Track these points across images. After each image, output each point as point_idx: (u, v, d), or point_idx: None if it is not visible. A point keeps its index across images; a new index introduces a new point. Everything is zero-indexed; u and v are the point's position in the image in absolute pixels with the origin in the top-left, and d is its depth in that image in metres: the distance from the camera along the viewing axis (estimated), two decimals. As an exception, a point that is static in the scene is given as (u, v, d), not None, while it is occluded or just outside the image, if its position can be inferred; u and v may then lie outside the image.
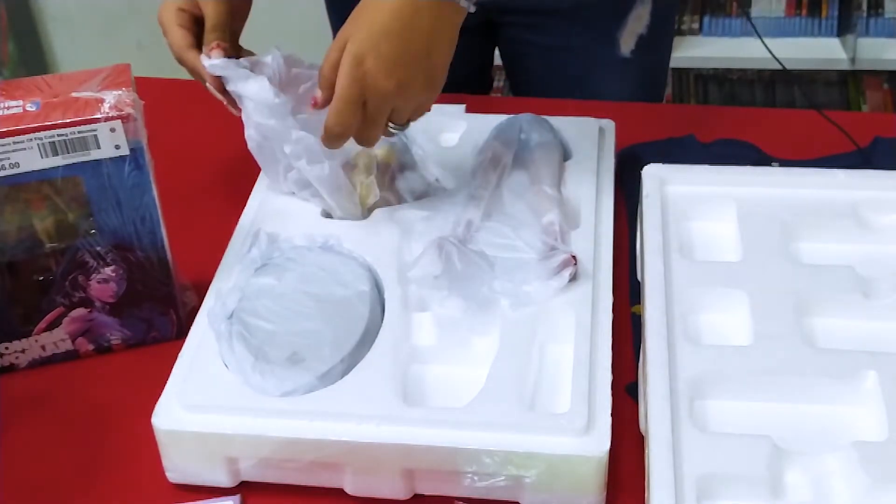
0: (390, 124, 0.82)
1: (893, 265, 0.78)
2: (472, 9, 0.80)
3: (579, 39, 1.13)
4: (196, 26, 0.89)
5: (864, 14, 1.87)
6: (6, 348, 0.80)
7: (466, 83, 1.16)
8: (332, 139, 0.80)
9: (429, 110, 0.84)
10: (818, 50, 1.86)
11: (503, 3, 1.12)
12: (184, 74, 0.99)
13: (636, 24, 1.12)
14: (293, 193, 0.89)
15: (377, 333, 0.77)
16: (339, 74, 0.78)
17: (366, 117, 0.79)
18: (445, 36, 0.80)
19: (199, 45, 0.87)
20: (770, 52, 1.03)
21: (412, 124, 0.84)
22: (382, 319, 0.78)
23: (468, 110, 0.98)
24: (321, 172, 0.84)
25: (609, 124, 0.97)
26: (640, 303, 0.78)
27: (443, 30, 0.80)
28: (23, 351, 0.81)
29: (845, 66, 1.85)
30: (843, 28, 1.88)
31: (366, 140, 0.82)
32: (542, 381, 0.74)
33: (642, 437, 0.71)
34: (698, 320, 0.76)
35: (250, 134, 0.85)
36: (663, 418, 0.67)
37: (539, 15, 1.13)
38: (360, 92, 0.78)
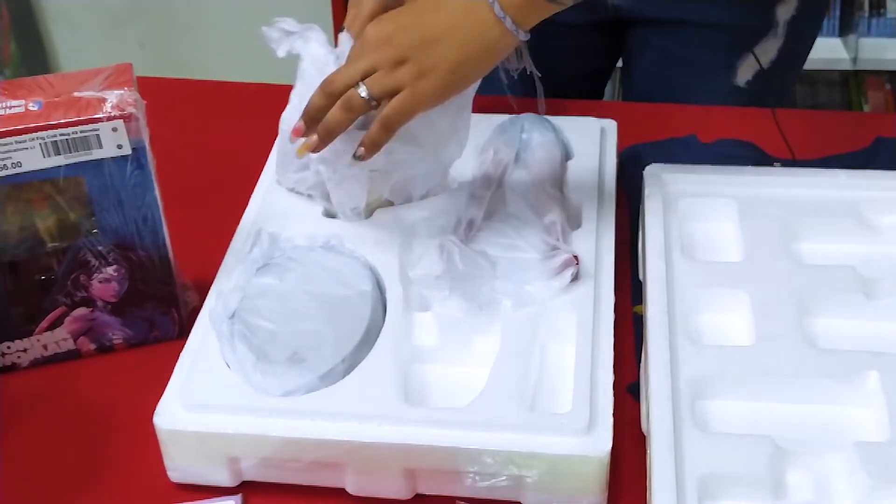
0: (361, 87, 0.77)
1: (895, 265, 0.78)
2: (500, 12, 0.77)
3: (697, 55, 1.12)
4: None
5: (866, 14, 1.88)
6: (8, 348, 0.80)
7: (581, 84, 1.18)
8: (325, 137, 0.79)
9: (406, 110, 0.78)
10: (819, 50, 1.85)
11: (632, 12, 1.11)
12: (186, 74, 0.99)
13: (761, 55, 1.10)
14: (292, 190, 0.89)
15: (379, 333, 0.76)
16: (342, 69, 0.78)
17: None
18: (466, 35, 0.78)
19: None
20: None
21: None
22: (384, 319, 0.78)
23: (473, 110, 0.98)
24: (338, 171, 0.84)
25: (611, 124, 0.97)
26: (641, 303, 0.78)
27: (465, 28, 0.78)
28: (24, 350, 0.81)
29: (847, 66, 1.86)
30: (845, 28, 1.89)
31: (329, 87, 0.79)
32: (544, 380, 0.74)
33: (644, 437, 0.71)
34: (700, 320, 0.76)
35: (290, 114, 0.85)
36: (665, 418, 0.67)
37: (664, 24, 1.12)
38: (361, 47, 0.79)
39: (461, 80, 0.79)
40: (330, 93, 0.78)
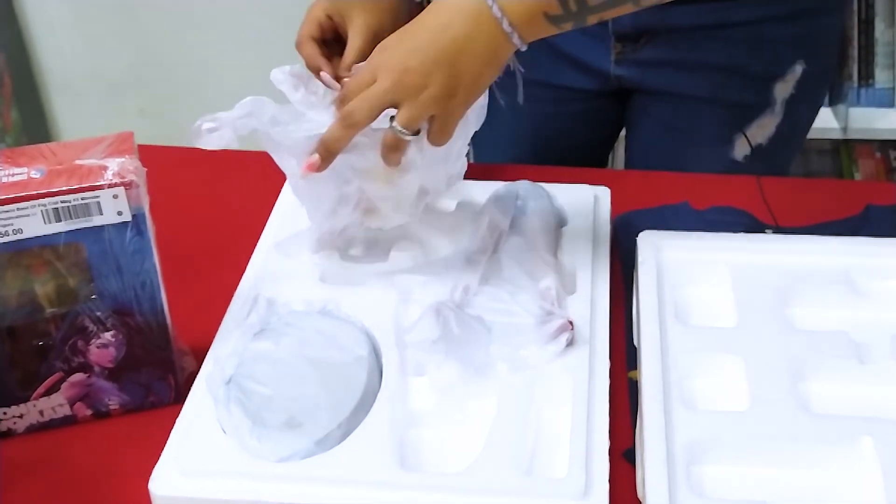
0: (394, 123, 0.79)
1: (887, 330, 0.79)
2: (508, 28, 0.79)
3: (695, 127, 1.13)
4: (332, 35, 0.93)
5: (855, 84, 1.89)
6: (4, 413, 0.80)
7: (585, 152, 1.19)
8: (326, 155, 0.80)
9: (449, 130, 0.81)
10: (811, 119, 1.88)
11: (634, 82, 1.12)
12: (186, 142, 0.99)
13: (757, 132, 1.11)
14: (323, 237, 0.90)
15: (375, 398, 0.76)
16: (365, 93, 0.79)
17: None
18: (479, 48, 0.79)
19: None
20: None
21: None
22: (380, 384, 0.78)
23: (466, 176, 0.99)
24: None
25: (604, 191, 0.98)
26: (636, 368, 0.78)
27: (478, 41, 0.79)
28: (21, 416, 0.80)
29: (837, 135, 1.87)
30: (835, 98, 1.90)
31: (350, 119, 0.80)
32: (540, 445, 0.73)
33: (640, 503, 0.71)
34: (694, 385, 0.76)
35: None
36: (660, 484, 0.67)
37: (664, 95, 1.13)
38: (373, 75, 0.79)
39: (480, 90, 0.82)
40: (351, 125, 0.79)
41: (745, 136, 1.11)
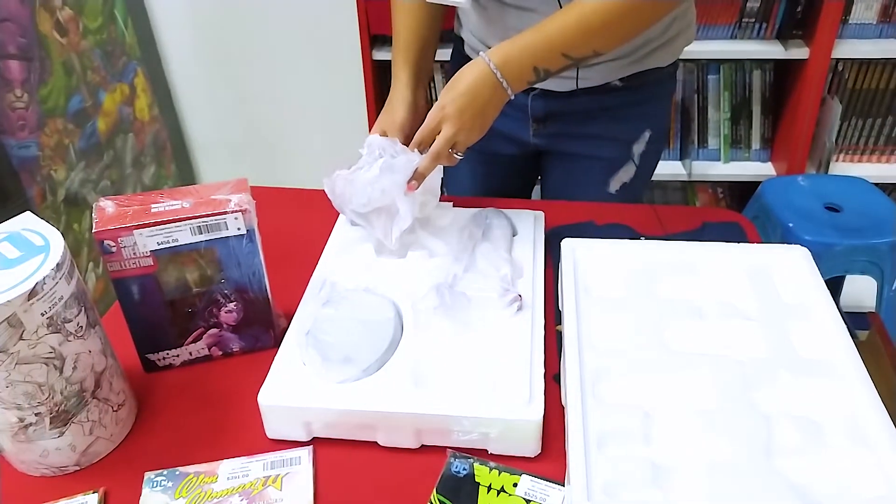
0: (455, 153, 0.85)
1: (715, 298, 0.79)
2: (513, 95, 0.84)
3: (585, 174, 1.12)
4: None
5: (696, 146, 1.90)
6: (167, 354, 0.80)
7: (517, 191, 1.21)
8: (419, 178, 0.85)
9: (475, 142, 0.86)
10: (667, 168, 1.89)
11: (545, 147, 1.12)
12: (280, 184, 0.99)
13: (623, 175, 1.10)
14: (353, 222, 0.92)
15: (399, 343, 0.77)
16: (439, 139, 0.84)
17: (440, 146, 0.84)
18: (496, 104, 0.84)
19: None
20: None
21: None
22: (402, 334, 0.78)
23: (455, 205, 0.99)
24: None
25: (540, 214, 0.97)
26: (561, 323, 0.78)
27: (494, 99, 0.84)
28: (177, 356, 0.81)
29: (685, 179, 1.87)
30: (683, 154, 1.91)
31: (437, 156, 0.85)
32: (500, 372, 0.73)
33: (563, 408, 0.71)
34: (597, 333, 0.76)
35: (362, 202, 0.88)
36: (576, 395, 0.67)
37: (565, 155, 1.12)
38: (438, 125, 0.84)
39: (490, 124, 0.86)
40: (436, 158, 0.85)
41: (615, 179, 1.11)
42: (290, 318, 0.81)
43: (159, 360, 0.80)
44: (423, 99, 0.97)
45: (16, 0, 1.48)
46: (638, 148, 1.09)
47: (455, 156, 0.86)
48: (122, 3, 1.85)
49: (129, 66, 1.89)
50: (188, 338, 0.80)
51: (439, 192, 0.92)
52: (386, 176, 0.86)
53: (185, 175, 2.19)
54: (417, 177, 0.85)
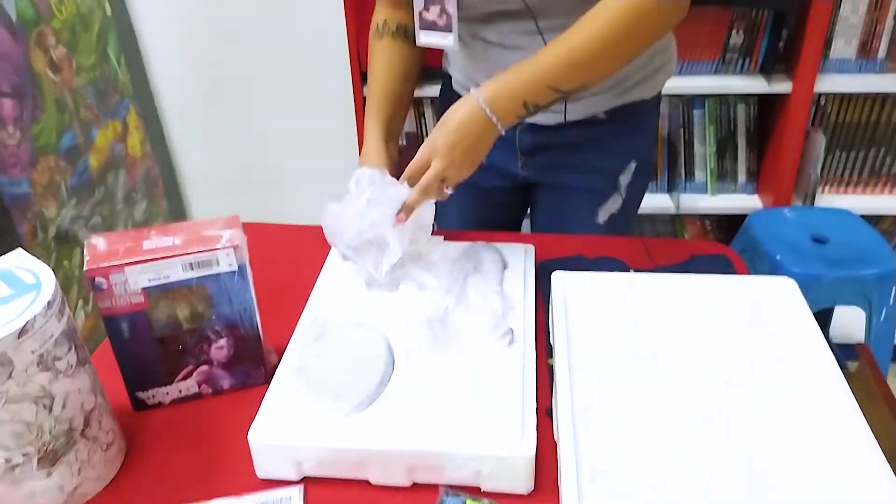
0: (446, 187, 0.87)
1: (705, 329, 0.79)
2: (503, 131, 0.85)
3: (573, 205, 1.13)
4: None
5: (683, 179, 1.92)
6: (156, 392, 0.80)
7: (507, 222, 1.22)
8: (408, 211, 0.86)
9: (466, 177, 0.87)
10: (655, 201, 1.90)
11: (534, 179, 1.13)
12: (271, 220, 1.00)
13: (611, 205, 1.11)
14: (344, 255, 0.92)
15: (390, 379, 0.76)
16: (428, 172, 0.85)
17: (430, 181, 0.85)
18: (486, 140, 0.85)
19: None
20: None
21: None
22: (393, 369, 0.78)
23: (446, 239, 0.99)
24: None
25: (531, 247, 0.98)
26: (552, 357, 0.78)
27: (485, 136, 0.85)
28: (167, 393, 0.80)
29: (673, 211, 1.88)
30: (671, 187, 1.92)
31: (426, 188, 0.87)
32: (492, 407, 0.73)
33: (556, 442, 0.70)
34: (587, 364, 0.75)
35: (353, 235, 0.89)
36: (568, 430, 0.66)
37: (553, 186, 1.13)
38: (429, 159, 0.85)
39: (481, 159, 0.87)
40: (425, 190, 0.86)
41: (604, 209, 1.12)
42: (280, 354, 0.80)
43: (148, 398, 0.79)
44: (396, 152, 0.99)
45: (10, 38, 1.50)
46: (624, 179, 1.10)
47: (446, 190, 0.87)
48: (115, 41, 1.87)
49: (121, 104, 1.90)
50: (178, 375, 0.79)
51: (431, 228, 0.93)
52: (374, 207, 0.86)
53: (176, 211, 2.18)
54: (406, 209, 0.86)
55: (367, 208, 0.86)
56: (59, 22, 1.64)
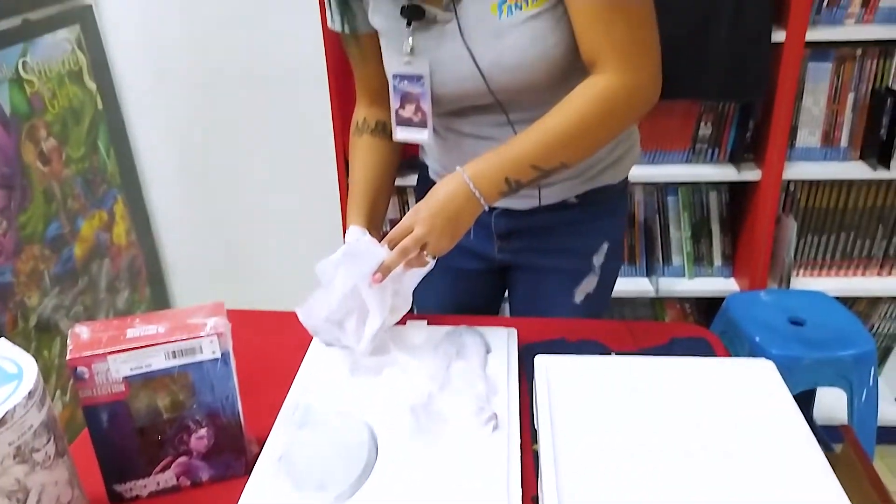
0: (426, 256, 0.87)
1: (686, 412, 0.79)
2: (486, 207, 0.87)
3: (549, 286, 1.14)
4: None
5: (661, 264, 1.94)
6: (134, 484, 0.77)
7: (486, 305, 1.23)
8: (385, 272, 0.87)
9: (447, 250, 0.88)
10: (634, 285, 1.92)
11: (510, 261, 1.15)
12: (256, 307, 0.99)
13: (586, 285, 1.13)
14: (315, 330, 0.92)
15: (373, 467, 0.75)
16: (408, 237, 0.86)
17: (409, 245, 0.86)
18: (468, 213, 0.87)
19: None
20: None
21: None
22: (376, 458, 0.77)
23: (429, 323, 1.00)
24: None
25: (513, 330, 0.99)
26: (537, 442, 0.78)
27: (467, 208, 0.87)
28: (144, 486, 0.78)
29: (652, 295, 1.90)
30: (649, 271, 1.95)
31: (404, 251, 0.87)
32: (478, 496, 0.72)
33: (542, 530, 0.69)
34: (572, 449, 0.75)
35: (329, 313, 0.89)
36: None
37: (530, 268, 1.15)
38: (411, 226, 0.87)
39: (463, 232, 0.88)
40: (403, 253, 0.86)
41: (580, 290, 1.13)
42: (262, 443, 0.79)
43: (126, 490, 0.77)
44: (379, 238, 1.01)
45: (2, 131, 1.53)
46: (598, 259, 1.12)
47: (426, 258, 0.88)
48: (105, 134, 1.91)
49: (108, 193, 1.93)
50: (157, 466, 0.77)
51: (411, 299, 0.94)
52: (349, 263, 0.87)
53: (159, 299, 2.18)
54: (383, 269, 0.87)
55: (340, 260, 0.88)
56: (51, 115, 1.69)
